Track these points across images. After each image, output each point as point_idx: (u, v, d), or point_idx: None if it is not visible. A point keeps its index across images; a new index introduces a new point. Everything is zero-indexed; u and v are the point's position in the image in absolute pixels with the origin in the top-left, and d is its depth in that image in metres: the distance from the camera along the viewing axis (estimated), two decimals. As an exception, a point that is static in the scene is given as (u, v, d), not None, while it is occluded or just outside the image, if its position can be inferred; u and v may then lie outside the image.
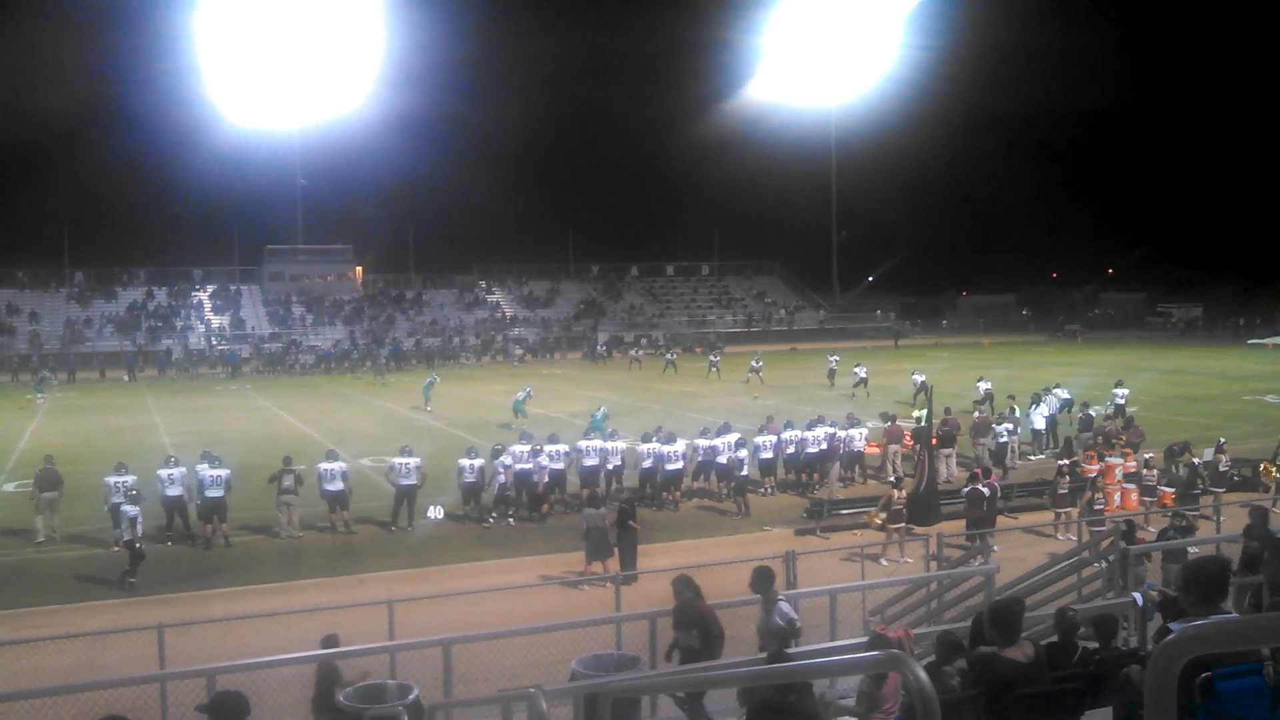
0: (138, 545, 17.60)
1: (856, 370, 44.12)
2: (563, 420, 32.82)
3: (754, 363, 49.84)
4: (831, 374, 47.64)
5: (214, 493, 20.02)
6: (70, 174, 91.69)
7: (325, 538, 20.71)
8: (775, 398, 41.47)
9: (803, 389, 45.52)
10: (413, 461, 21.32)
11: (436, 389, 41.75)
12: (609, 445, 23.27)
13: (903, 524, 19.18)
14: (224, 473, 20.35)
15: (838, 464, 24.44)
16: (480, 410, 39.75)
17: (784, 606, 10.05)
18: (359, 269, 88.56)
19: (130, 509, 17.96)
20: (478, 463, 21.75)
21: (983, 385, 35.33)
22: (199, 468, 20.58)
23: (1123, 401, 31.50)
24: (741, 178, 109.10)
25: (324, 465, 21.08)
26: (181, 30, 76.83)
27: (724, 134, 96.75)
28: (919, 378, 38.33)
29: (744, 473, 22.60)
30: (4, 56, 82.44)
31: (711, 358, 57.14)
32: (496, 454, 22.02)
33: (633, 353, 65.97)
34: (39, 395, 48.95)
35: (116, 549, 18.23)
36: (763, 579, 10.10)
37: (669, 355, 60.38)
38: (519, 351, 73.11)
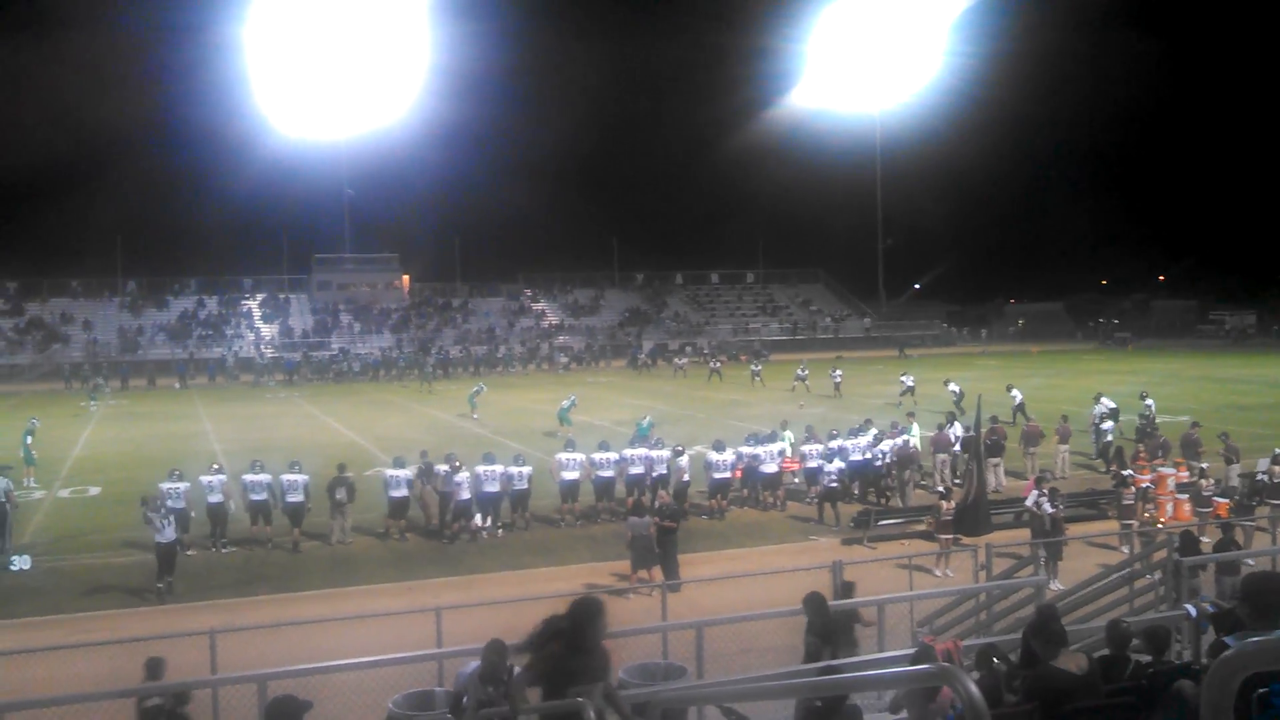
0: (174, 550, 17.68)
1: (903, 379, 43.85)
2: (608, 428, 32.86)
3: (799, 371, 49.71)
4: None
5: (294, 497, 20.51)
6: (123, 185, 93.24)
7: (375, 544, 20.88)
8: (821, 406, 41.31)
9: (849, 397, 45.27)
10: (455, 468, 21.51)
11: (483, 397, 41.98)
12: (654, 454, 23.28)
13: (951, 535, 19.01)
14: (303, 478, 20.81)
15: (910, 471, 24.30)
16: (525, 418, 39.88)
17: None
18: (406, 277, 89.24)
19: (171, 505, 18.06)
20: (526, 470, 21.83)
21: (1016, 394, 34.48)
22: (283, 475, 20.89)
23: (1150, 413, 30.68)
24: (786, 185, 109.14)
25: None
26: (231, 43, 77.96)
27: (768, 141, 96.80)
28: (954, 387, 38.12)
29: (833, 482, 22.47)
30: (59, 71, 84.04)
31: (754, 366, 56.98)
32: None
33: (677, 361, 65.93)
34: (92, 403, 49.76)
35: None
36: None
37: (714, 364, 60.27)
38: (564, 360, 73.33)
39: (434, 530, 21.37)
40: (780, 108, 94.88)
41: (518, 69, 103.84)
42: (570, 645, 6.29)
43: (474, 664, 8.39)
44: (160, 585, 17.43)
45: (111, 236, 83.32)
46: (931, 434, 26.13)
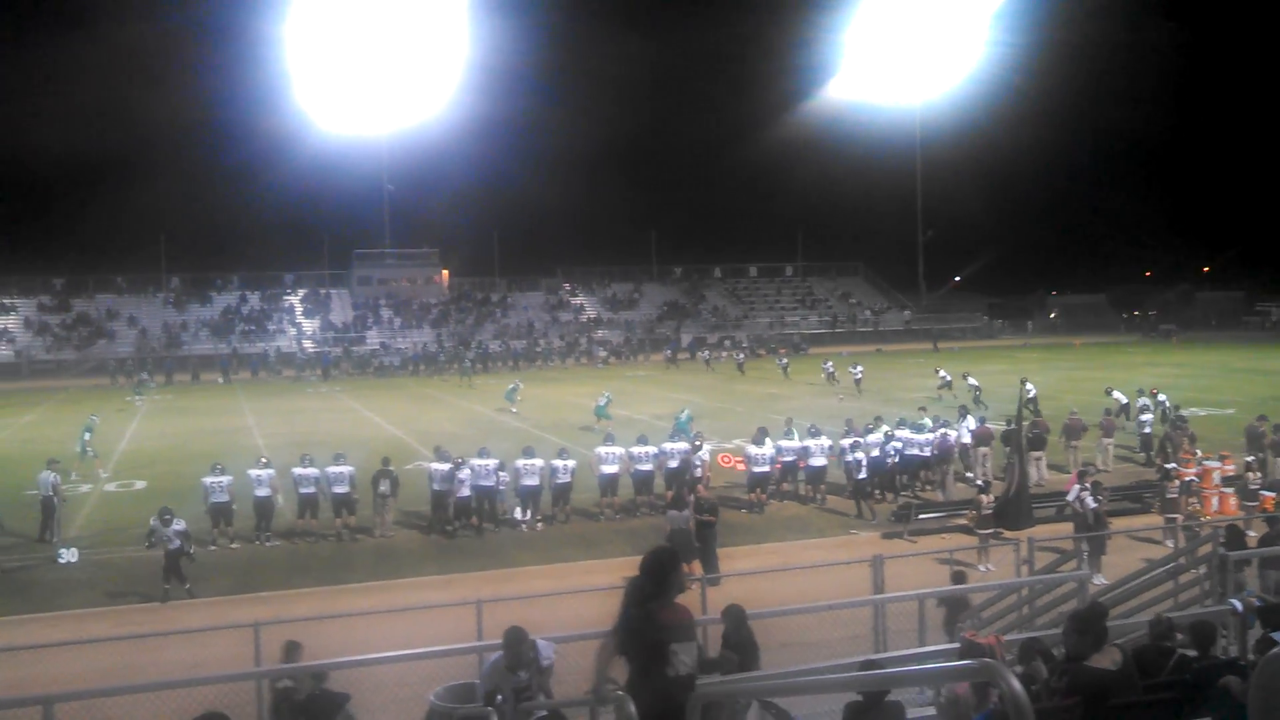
0: (181, 555, 17.59)
1: (940, 373, 43.58)
2: (646, 422, 32.88)
3: (826, 365, 50.70)
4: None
5: (341, 489, 20.86)
6: (168, 182, 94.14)
7: (418, 537, 21.02)
8: (860, 400, 41.13)
9: (887, 391, 45.04)
10: (492, 463, 21.65)
11: (521, 392, 42.16)
12: (687, 447, 23.31)
13: (992, 529, 18.87)
14: (349, 469, 21.10)
15: (951, 465, 24.19)
16: (564, 412, 40.01)
17: None
18: (445, 272, 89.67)
19: (173, 525, 17.67)
20: (570, 464, 21.93)
21: (1030, 388, 33.62)
22: (329, 468, 21.18)
23: (1166, 408, 30.07)
24: (825, 177, 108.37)
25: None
26: (272, 40, 78.59)
27: (807, 134, 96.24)
28: (974, 381, 37.89)
29: (861, 475, 22.39)
30: (104, 70, 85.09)
31: (781, 360, 57.20)
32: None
33: (702, 354, 65.98)
34: (137, 398, 50.40)
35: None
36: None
37: (739, 356, 60.60)
38: (602, 354, 73.42)
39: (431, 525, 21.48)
40: (819, 99, 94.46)
41: (555, 63, 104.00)
42: (658, 601, 6.02)
43: (497, 655, 8.46)
44: (167, 586, 17.40)
45: (156, 233, 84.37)
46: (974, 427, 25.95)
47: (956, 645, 8.36)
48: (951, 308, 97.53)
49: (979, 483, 21.12)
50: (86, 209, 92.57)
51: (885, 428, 24.61)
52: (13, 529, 20.60)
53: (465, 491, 21.07)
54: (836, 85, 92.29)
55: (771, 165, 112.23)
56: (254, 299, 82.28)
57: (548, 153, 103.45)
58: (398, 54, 79.08)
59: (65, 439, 31.48)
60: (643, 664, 5.95)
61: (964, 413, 27.20)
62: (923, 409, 27.99)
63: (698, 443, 23.36)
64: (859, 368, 47.35)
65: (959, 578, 13.58)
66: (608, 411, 35.01)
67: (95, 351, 70.97)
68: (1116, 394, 28.28)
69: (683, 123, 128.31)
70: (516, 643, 8.38)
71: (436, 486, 21.16)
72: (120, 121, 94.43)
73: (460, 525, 21.25)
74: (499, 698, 8.27)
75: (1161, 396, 29.83)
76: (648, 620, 5.95)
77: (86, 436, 28.98)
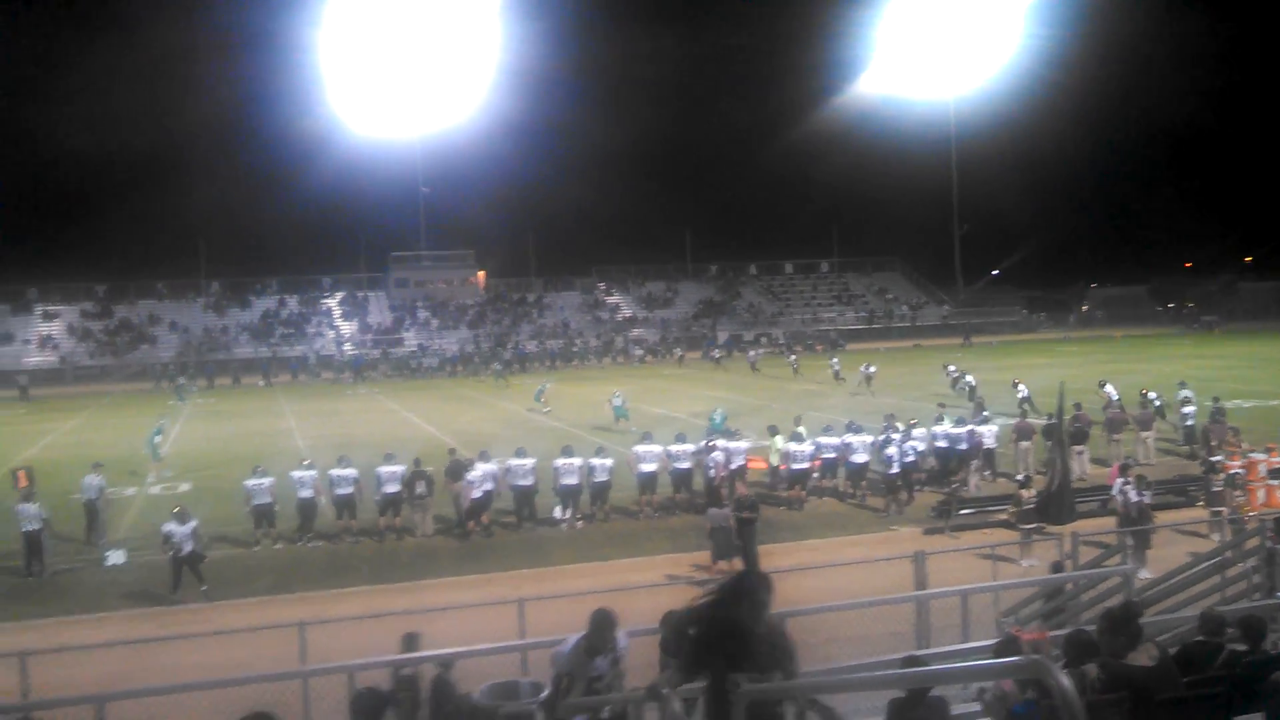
0: (183, 558, 17.64)
1: (949, 369, 42.91)
2: (684, 420, 32.87)
3: (833, 362, 51.46)
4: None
5: (391, 488, 21.20)
6: (206, 188, 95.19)
7: (456, 538, 21.12)
8: (894, 396, 40.89)
9: (927, 386, 44.69)
10: (529, 463, 21.76)
11: (552, 392, 42.42)
12: (733, 445, 23.28)
13: (1034, 523, 18.74)
14: (400, 468, 21.43)
15: (977, 461, 24.07)
16: (600, 411, 40.04)
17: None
18: (481, 273, 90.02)
19: (179, 528, 17.69)
20: (608, 462, 21.98)
21: (1021, 388, 32.51)
22: (379, 468, 21.47)
23: (1191, 400, 29.44)
24: (860, 172, 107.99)
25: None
26: (307, 45, 79.16)
27: (841, 129, 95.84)
28: (1024, 391, 37.46)
29: (894, 470, 22.29)
30: (143, 78, 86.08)
31: (790, 357, 57.42)
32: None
33: (750, 354, 65.24)
34: (180, 401, 50.93)
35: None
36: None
37: (791, 357, 60.13)
38: (639, 352, 73.45)
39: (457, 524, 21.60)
40: (852, 94, 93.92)
41: (588, 63, 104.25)
42: (720, 629, 5.90)
43: (573, 638, 8.26)
44: (187, 587, 17.58)
45: (195, 239, 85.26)
46: (1014, 422, 25.75)
47: (998, 641, 8.31)
48: (990, 302, 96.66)
49: (1019, 477, 20.95)
50: (127, 216, 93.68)
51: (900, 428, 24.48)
52: (60, 532, 20.87)
53: (478, 492, 21.14)
54: (869, 80, 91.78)
55: (806, 161, 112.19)
56: (292, 302, 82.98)
57: (582, 152, 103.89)
58: (431, 57, 79.48)
59: (111, 444, 31.88)
60: (721, 671, 5.87)
61: (981, 413, 27.00)
62: (942, 405, 27.75)
63: (710, 443, 23.18)
64: (871, 367, 45.40)
65: (1056, 568, 13.71)
66: (626, 410, 35.01)
67: (137, 356, 71.88)
68: (1151, 395, 27.86)
69: (716, 120, 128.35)
70: (604, 626, 8.07)
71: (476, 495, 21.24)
72: (158, 128, 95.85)
73: (479, 526, 21.26)
74: (564, 679, 8.10)
75: (1187, 392, 29.04)
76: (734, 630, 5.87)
77: (157, 439, 29.65)
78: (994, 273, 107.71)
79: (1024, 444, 24.97)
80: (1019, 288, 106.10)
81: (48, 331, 75.19)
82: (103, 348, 73.45)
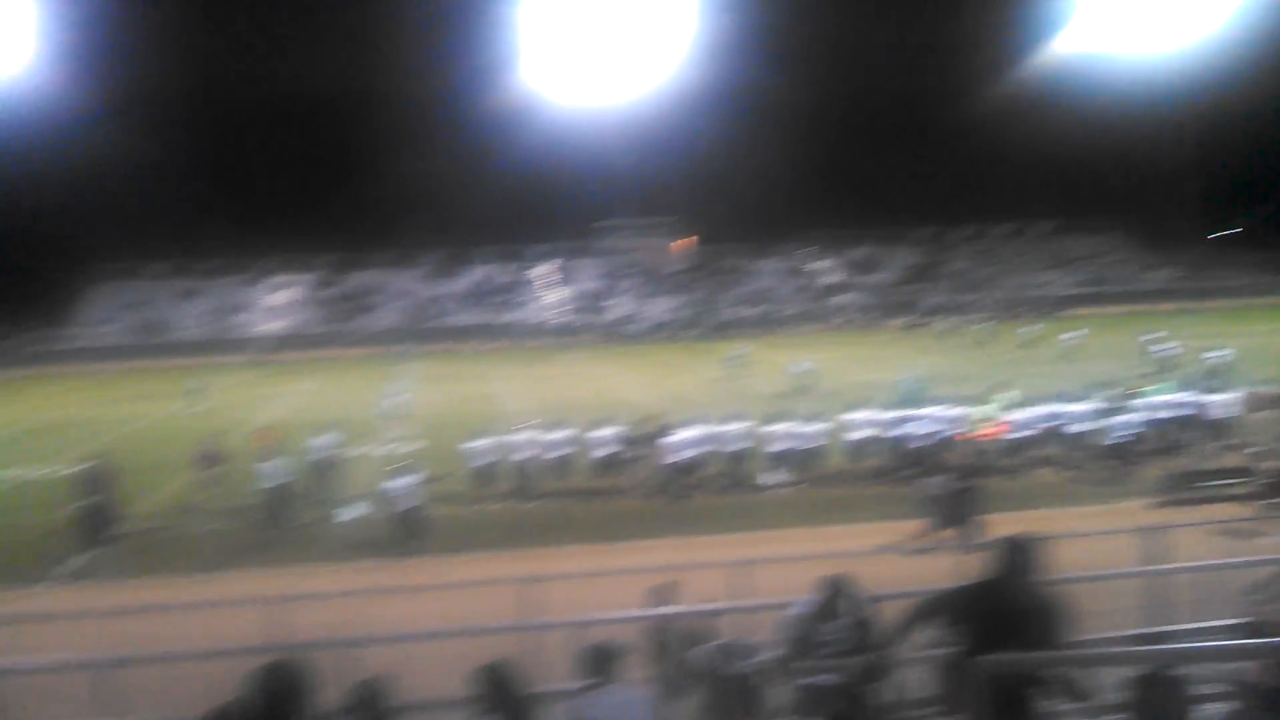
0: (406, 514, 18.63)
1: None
2: (888, 386, 32.30)
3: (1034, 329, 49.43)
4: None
5: (604, 451, 22.38)
6: (422, 162, 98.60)
7: (663, 502, 21.41)
8: (1109, 363, 39.01)
9: (1144, 355, 42.46)
10: (739, 427, 22.11)
11: (751, 358, 42.47)
12: (943, 413, 22.80)
13: (1274, 498, 17.66)
14: (612, 431, 22.50)
15: (1203, 433, 22.92)
16: (800, 378, 39.73)
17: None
18: (687, 240, 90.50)
19: (402, 485, 18.84)
20: (820, 428, 21.91)
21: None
22: (595, 433, 22.61)
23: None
24: (1078, 129, 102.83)
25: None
26: (510, 20, 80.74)
27: (1060, 84, 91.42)
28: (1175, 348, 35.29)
29: (1115, 440, 21.44)
30: (365, 61, 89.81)
31: (995, 324, 56.10)
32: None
33: (957, 320, 63.46)
34: (400, 367, 53.30)
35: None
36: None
37: (988, 325, 58.31)
38: (844, 318, 72.54)
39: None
40: (1069, 50, 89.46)
41: (790, 24, 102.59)
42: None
43: (801, 601, 8.30)
44: (407, 544, 18.47)
45: (414, 212, 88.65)
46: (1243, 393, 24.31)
47: (1245, 620, 7.91)
48: (1223, 264, 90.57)
49: (1254, 450, 19.76)
50: (353, 191, 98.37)
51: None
52: (298, 489, 22.14)
53: (687, 455, 21.47)
54: (1088, 33, 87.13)
55: (1020, 119, 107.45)
56: (504, 272, 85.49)
57: (786, 117, 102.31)
58: (631, 23, 79.91)
59: (343, 405, 33.53)
60: (980, 640, 5.88)
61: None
62: (1157, 374, 26.41)
63: (925, 410, 22.74)
64: (1077, 334, 44.42)
65: None
66: (921, 390, 30.26)
67: (362, 323, 75.64)
68: None
69: (925, 78, 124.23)
70: (834, 590, 8.19)
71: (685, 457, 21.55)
72: (377, 112, 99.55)
73: (687, 489, 21.54)
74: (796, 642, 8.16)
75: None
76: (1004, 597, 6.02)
77: (395, 401, 31.74)
78: (1229, 231, 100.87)
79: (1260, 415, 23.52)
80: (1257, 249, 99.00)
81: (285, 299, 79.96)
82: (332, 315, 77.57)
